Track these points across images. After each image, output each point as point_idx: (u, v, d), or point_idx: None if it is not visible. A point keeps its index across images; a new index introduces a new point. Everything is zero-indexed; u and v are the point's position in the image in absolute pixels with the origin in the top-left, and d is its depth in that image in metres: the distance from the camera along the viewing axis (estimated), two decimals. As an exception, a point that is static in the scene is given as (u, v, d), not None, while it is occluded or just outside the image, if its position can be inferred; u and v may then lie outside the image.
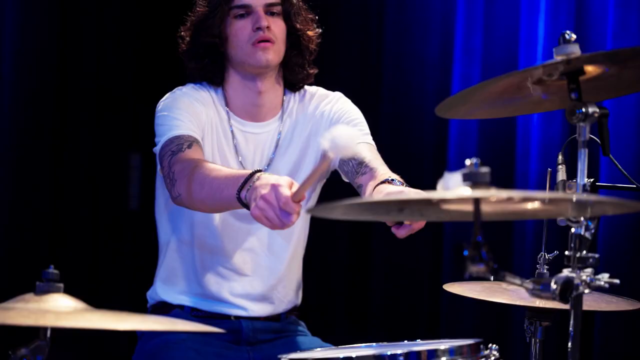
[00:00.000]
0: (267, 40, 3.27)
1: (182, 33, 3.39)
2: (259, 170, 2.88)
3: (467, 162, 2.07)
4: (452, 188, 2.07)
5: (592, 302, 2.96)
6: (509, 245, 4.14)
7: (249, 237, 3.34)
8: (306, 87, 3.47)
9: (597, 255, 2.31)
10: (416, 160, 4.46)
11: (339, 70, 4.59)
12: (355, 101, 4.47)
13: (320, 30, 3.42)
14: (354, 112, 3.45)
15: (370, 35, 4.63)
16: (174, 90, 3.37)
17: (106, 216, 4.60)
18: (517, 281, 2.20)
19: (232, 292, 3.34)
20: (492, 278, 2.10)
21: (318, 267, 3.65)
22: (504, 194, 2.05)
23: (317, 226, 3.46)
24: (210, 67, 3.35)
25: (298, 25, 3.34)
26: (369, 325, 4.36)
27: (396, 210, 2.20)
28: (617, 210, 2.30)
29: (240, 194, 2.86)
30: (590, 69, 2.34)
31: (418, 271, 4.40)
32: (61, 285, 2.17)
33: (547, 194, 2.24)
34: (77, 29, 4.68)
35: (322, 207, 2.25)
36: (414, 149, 4.48)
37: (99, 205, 4.65)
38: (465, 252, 2.08)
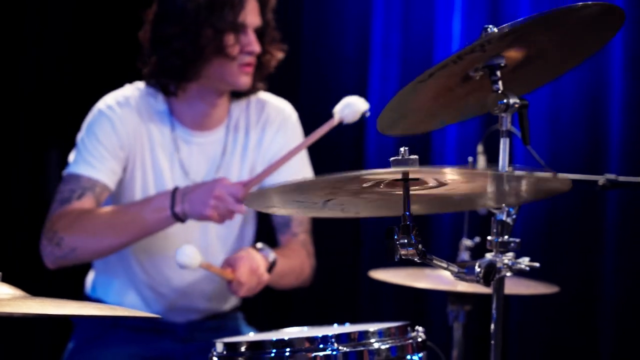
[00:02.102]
0: (251, 64, 3.29)
1: (141, 36, 3.36)
2: (176, 188, 2.98)
3: (401, 149, 2.15)
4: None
5: (511, 286, 3.07)
6: (427, 234, 4.22)
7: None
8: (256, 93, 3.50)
9: (518, 240, 2.42)
10: (335, 157, 4.51)
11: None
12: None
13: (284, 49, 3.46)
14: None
15: (289, 30, 4.67)
16: (102, 109, 3.32)
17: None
18: (443, 264, 2.29)
19: (168, 302, 3.38)
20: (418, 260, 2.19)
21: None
22: (435, 170, 2.13)
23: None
24: (171, 79, 3.32)
25: (268, 48, 3.37)
26: (295, 315, 4.42)
27: (322, 202, 2.26)
28: (537, 192, 2.39)
29: (175, 209, 2.95)
30: (512, 54, 2.43)
31: (339, 261, 4.49)
32: (-1, 273, 2.20)
33: (473, 171, 2.32)
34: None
35: (257, 198, 2.34)
36: (333, 146, 4.54)
37: (35, 196, 4.62)
38: (396, 236, 2.16)
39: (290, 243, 3.42)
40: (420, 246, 2.16)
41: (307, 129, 4.55)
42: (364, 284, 4.10)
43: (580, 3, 2.28)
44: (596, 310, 3.91)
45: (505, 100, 2.39)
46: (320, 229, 4.40)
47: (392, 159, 2.15)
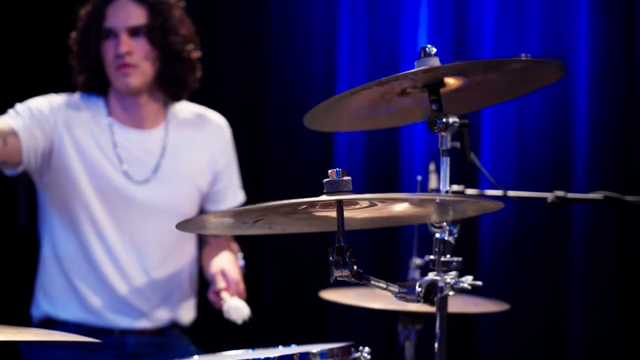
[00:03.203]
0: (128, 65, 3.33)
1: (70, 44, 3.45)
2: None
3: (330, 172, 2.15)
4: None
5: (461, 305, 3.07)
6: (391, 252, 4.22)
7: (125, 254, 3.40)
8: (190, 105, 3.55)
9: (460, 259, 2.42)
10: (303, 172, 4.51)
11: (226, 84, 4.64)
12: (244, 114, 4.56)
13: (195, 44, 3.48)
14: (234, 164, 3.64)
15: (257, 48, 4.68)
16: (45, 95, 3.44)
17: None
18: (382, 285, 2.29)
19: (111, 307, 3.38)
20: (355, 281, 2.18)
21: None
22: (360, 197, 2.13)
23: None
24: (94, 80, 3.40)
25: (169, 43, 3.39)
26: (245, 336, 4.42)
27: (251, 222, 2.27)
28: (474, 210, 2.40)
29: None
30: (451, 81, 2.43)
31: (290, 281, 4.52)
32: None
33: (392, 195, 2.32)
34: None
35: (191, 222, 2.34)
36: (301, 162, 4.54)
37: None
38: (330, 257, 2.16)
39: (219, 240, 3.59)
40: (355, 267, 2.16)
41: (280, 147, 4.60)
42: (315, 304, 4.10)
43: (518, 57, 2.31)
44: (563, 326, 3.91)
45: (444, 120, 2.39)
46: (272, 248, 4.43)
47: (325, 180, 2.14)
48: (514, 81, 2.46)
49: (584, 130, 3.93)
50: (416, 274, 3.13)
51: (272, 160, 4.58)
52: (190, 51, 3.45)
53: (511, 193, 2.92)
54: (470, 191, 2.89)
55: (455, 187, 3.21)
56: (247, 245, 3.70)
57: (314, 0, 4.59)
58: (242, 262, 3.44)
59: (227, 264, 3.40)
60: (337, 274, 2.16)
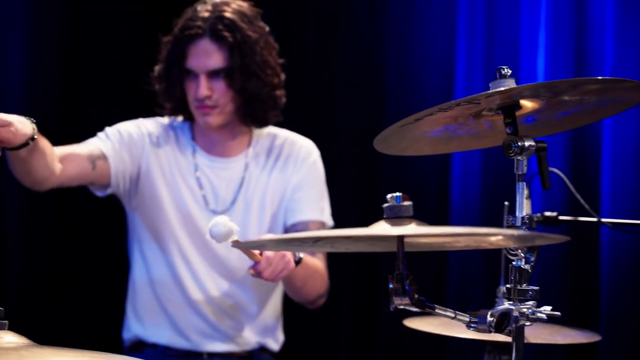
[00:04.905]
0: (207, 106, 3.35)
1: (153, 79, 3.50)
2: None
3: (389, 196, 2.10)
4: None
5: (547, 336, 2.96)
6: (458, 280, 4.15)
7: (209, 278, 3.40)
8: (277, 130, 3.54)
9: (536, 288, 2.33)
10: (419, 198, 4.45)
11: (339, 109, 4.64)
12: (357, 142, 4.54)
13: (280, 81, 3.48)
14: (318, 183, 3.54)
15: (372, 73, 4.66)
16: (134, 120, 3.52)
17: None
18: (450, 314, 2.23)
19: (199, 330, 3.39)
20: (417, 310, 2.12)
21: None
22: (423, 229, 2.07)
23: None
24: (179, 108, 3.46)
25: (248, 85, 3.38)
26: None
27: (311, 242, 2.24)
28: (541, 241, 2.31)
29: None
30: (527, 103, 2.35)
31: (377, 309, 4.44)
32: (5, 322, 2.24)
33: (459, 229, 2.24)
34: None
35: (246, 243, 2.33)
36: (417, 188, 4.49)
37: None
38: (390, 285, 2.11)
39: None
40: (416, 295, 2.11)
41: (394, 175, 4.55)
42: (399, 332, 4.04)
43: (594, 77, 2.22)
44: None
45: (519, 143, 2.31)
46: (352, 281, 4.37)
47: (385, 205, 2.10)
48: (592, 103, 2.36)
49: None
50: (504, 302, 3.03)
51: (388, 188, 4.53)
52: (270, 91, 3.44)
53: (605, 220, 2.80)
54: (564, 217, 2.79)
55: (548, 214, 3.13)
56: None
57: (431, 23, 4.55)
58: (298, 256, 3.17)
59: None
60: (397, 302, 2.11)
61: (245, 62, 3.38)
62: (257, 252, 2.99)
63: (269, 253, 3.00)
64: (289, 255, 3.06)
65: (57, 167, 3.15)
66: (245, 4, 3.49)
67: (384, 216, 2.11)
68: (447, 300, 4.24)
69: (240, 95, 3.39)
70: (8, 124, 2.74)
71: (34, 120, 2.85)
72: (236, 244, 2.82)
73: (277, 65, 3.48)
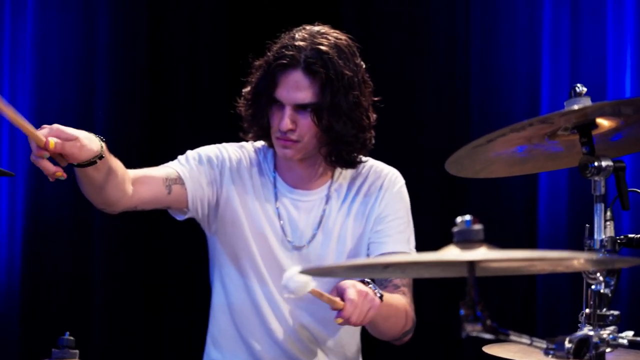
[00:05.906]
0: (288, 140, 3.25)
1: (241, 106, 3.42)
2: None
3: (459, 219, 2.05)
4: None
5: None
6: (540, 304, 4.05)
7: (286, 306, 3.35)
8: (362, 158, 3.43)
9: (617, 313, 2.25)
10: (507, 221, 4.38)
11: (425, 134, 4.60)
12: (441, 167, 4.48)
13: (370, 122, 3.29)
14: (403, 213, 3.40)
15: (457, 97, 4.61)
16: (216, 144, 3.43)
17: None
18: (526, 340, 2.15)
19: (276, 358, 3.35)
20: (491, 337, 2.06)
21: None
22: (493, 254, 2.01)
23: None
24: (264, 135, 3.37)
25: (335, 126, 3.22)
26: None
27: (381, 267, 2.20)
28: (621, 264, 2.24)
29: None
30: (604, 122, 2.29)
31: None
32: (76, 351, 2.25)
33: (532, 254, 2.17)
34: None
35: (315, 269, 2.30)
36: (504, 211, 4.42)
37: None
38: (461, 312, 2.05)
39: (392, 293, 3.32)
40: (488, 322, 2.04)
41: (481, 197, 4.49)
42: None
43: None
44: None
45: (596, 163, 2.24)
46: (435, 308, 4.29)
47: (454, 229, 2.04)
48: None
49: None
50: (586, 328, 2.93)
51: (475, 212, 4.47)
52: (358, 133, 3.28)
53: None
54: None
55: (631, 236, 3.02)
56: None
57: (516, 44, 4.49)
58: (379, 292, 3.12)
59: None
60: (469, 329, 2.04)
61: (336, 100, 3.20)
62: (337, 299, 2.94)
63: (351, 296, 2.94)
64: (370, 292, 3.00)
65: (129, 189, 3.10)
66: (344, 37, 3.32)
67: (454, 240, 2.05)
68: (536, 324, 4.16)
69: (326, 134, 3.25)
70: (74, 139, 2.72)
71: (103, 139, 2.84)
72: (312, 292, 2.79)
73: (370, 106, 3.36)
